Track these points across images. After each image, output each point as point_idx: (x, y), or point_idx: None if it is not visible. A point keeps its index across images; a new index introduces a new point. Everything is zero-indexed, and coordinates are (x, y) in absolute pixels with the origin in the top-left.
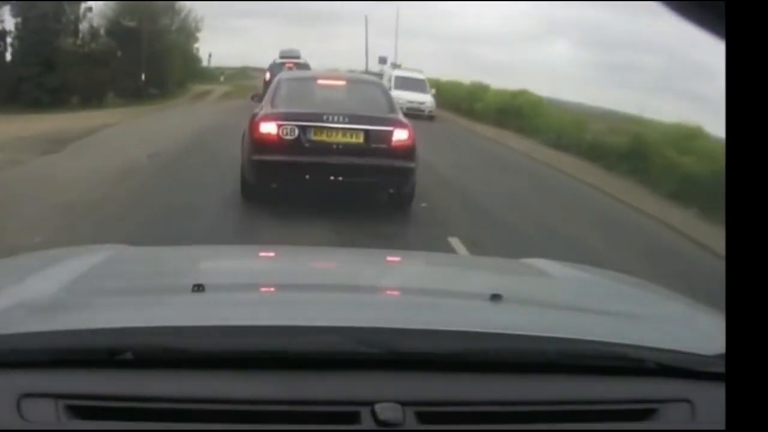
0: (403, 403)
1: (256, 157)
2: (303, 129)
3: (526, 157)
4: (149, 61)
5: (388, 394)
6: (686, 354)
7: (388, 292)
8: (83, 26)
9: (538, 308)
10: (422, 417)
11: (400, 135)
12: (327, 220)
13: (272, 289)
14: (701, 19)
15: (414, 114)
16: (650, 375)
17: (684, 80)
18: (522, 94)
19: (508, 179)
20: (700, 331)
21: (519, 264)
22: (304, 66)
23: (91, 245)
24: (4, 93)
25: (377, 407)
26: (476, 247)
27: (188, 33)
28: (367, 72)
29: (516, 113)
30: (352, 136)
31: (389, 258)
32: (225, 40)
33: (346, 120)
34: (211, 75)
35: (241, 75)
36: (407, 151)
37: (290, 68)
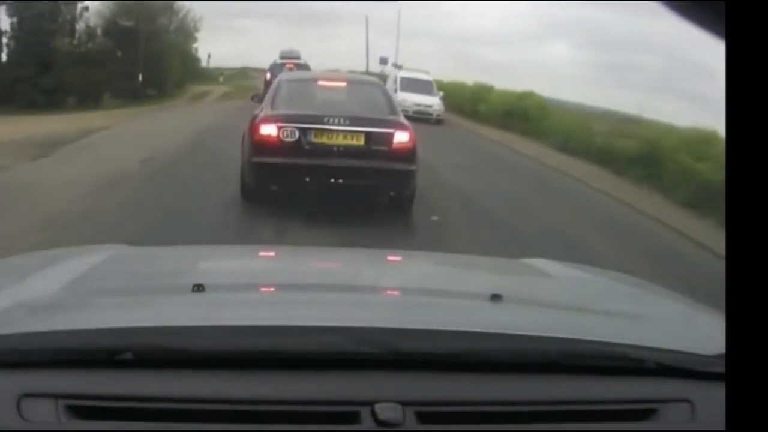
0: (403, 403)
1: (256, 159)
2: (303, 131)
3: (536, 162)
4: (147, 62)
5: (388, 394)
6: (686, 354)
7: (389, 292)
8: (80, 26)
9: (538, 308)
10: (422, 417)
11: (400, 137)
12: (328, 229)
13: (272, 289)
14: (701, 19)
15: (421, 118)
16: (650, 375)
17: (684, 80)
18: (528, 95)
19: (519, 186)
20: (700, 331)
21: (519, 264)
22: (305, 66)
23: (91, 245)
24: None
25: (377, 407)
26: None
27: (187, 33)
28: (367, 72)
29: (522, 116)
30: (352, 139)
31: (389, 258)
32: (224, 41)
33: (347, 122)
34: (210, 75)
35: (240, 75)
36: (408, 154)
37: (291, 69)
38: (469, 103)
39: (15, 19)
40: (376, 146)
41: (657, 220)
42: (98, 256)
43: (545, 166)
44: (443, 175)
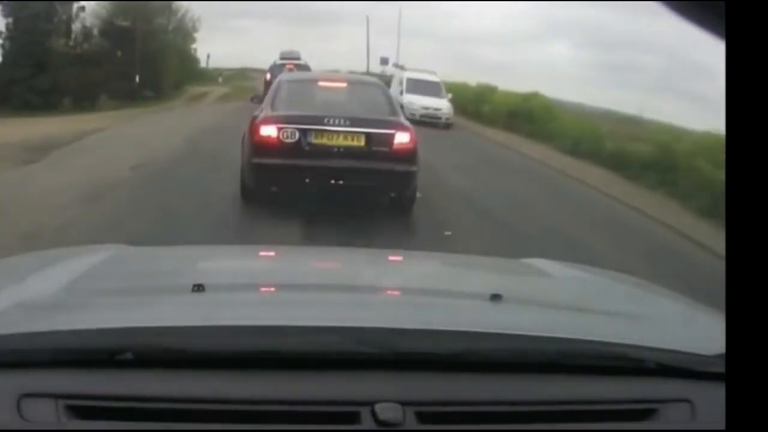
0: (403, 403)
1: (256, 160)
2: (303, 132)
3: (543, 166)
4: (144, 62)
5: (388, 394)
6: (686, 354)
7: (389, 292)
8: (76, 26)
9: (538, 308)
10: (422, 417)
11: (401, 138)
12: (328, 229)
13: (272, 289)
14: (701, 19)
15: (430, 122)
16: (650, 375)
17: (684, 80)
18: (533, 96)
19: (530, 192)
20: (700, 331)
21: (519, 264)
22: (305, 67)
23: (91, 245)
24: None
25: (377, 407)
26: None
27: (185, 33)
28: (368, 73)
29: (527, 117)
30: (353, 139)
31: (389, 258)
32: (224, 41)
33: (347, 123)
34: (209, 76)
35: (240, 76)
36: (409, 155)
37: (290, 69)
38: (472, 104)
39: (10, 20)
40: (377, 147)
41: (678, 231)
42: (98, 256)
43: (553, 169)
44: (453, 182)
